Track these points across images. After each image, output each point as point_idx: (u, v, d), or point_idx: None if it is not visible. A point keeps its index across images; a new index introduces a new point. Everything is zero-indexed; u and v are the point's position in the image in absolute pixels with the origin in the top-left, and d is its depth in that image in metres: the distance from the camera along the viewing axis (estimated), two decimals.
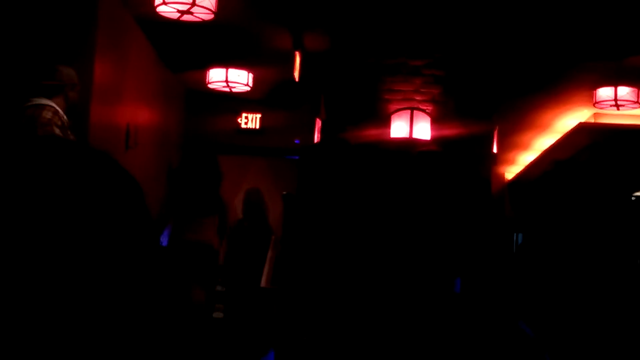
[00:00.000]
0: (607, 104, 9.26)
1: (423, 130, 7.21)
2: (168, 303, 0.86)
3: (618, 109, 9.29)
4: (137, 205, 0.86)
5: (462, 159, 7.08)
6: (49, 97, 4.85)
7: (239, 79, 9.60)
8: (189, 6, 6.67)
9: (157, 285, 0.84)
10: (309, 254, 4.41)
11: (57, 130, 4.68)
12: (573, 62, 8.55)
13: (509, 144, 11.03)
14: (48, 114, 4.73)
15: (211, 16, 6.99)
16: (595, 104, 9.36)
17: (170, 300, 0.87)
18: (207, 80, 9.66)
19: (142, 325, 0.81)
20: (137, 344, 0.81)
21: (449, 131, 7.21)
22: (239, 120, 11.33)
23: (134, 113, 8.10)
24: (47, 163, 0.81)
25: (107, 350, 0.78)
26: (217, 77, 9.58)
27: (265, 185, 12.83)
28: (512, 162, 12.48)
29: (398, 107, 7.34)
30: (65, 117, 4.86)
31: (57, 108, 4.82)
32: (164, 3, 6.66)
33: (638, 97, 8.97)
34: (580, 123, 10.12)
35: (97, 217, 0.80)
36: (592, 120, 10.21)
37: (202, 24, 7.24)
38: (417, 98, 7.36)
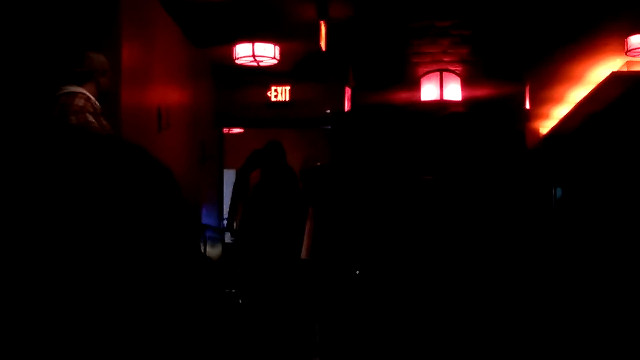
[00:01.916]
0: (639, 52, 9.11)
1: (453, 91, 7.16)
2: (204, 294, 0.87)
3: None
4: (172, 200, 0.86)
5: (493, 117, 7.02)
6: (80, 84, 4.88)
7: (266, 53, 9.58)
8: None
9: (195, 278, 0.85)
10: (349, 223, 4.43)
11: (89, 117, 4.72)
12: (603, 10, 8.41)
13: (542, 99, 10.91)
14: (80, 102, 4.76)
15: None
16: (627, 52, 9.21)
17: (205, 291, 0.88)
18: (234, 56, 9.65)
19: (178, 316, 0.82)
20: (172, 331, 0.82)
21: (480, 91, 7.15)
22: (268, 93, 11.32)
23: (164, 94, 8.14)
24: (82, 162, 0.82)
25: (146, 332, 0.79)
26: (243, 52, 9.57)
27: (299, 156, 12.86)
28: (546, 116, 12.35)
29: (427, 69, 7.30)
30: (97, 103, 4.89)
31: (89, 95, 4.84)
32: None
33: None
34: (613, 72, 9.97)
35: (132, 214, 0.80)
36: (625, 69, 10.06)
37: None
38: (446, 59, 7.30)
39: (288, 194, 7.48)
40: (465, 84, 7.20)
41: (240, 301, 7.72)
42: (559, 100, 11.72)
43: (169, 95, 8.35)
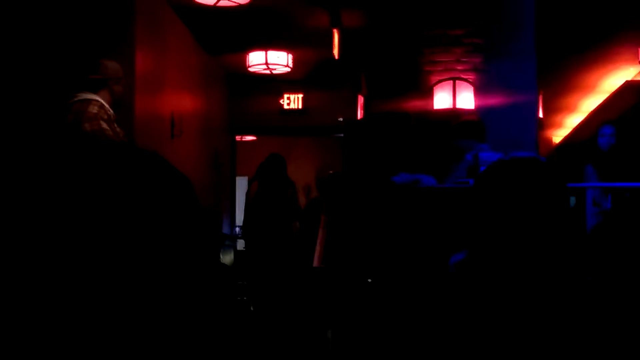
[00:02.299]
0: None
1: (466, 99, 7.15)
2: (217, 300, 0.87)
3: None
4: (188, 205, 0.86)
5: (505, 126, 7.00)
6: (94, 92, 4.89)
7: (279, 61, 9.60)
8: None
9: (209, 282, 0.85)
10: (361, 231, 4.42)
11: (103, 125, 4.73)
12: (616, 19, 8.39)
13: (555, 108, 10.89)
14: (94, 109, 4.77)
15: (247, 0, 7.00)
16: None
17: (219, 298, 0.88)
18: (247, 64, 9.68)
19: (192, 317, 0.82)
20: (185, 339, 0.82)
21: (493, 99, 7.13)
22: (281, 101, 11.34)
23: (178, 101, 8.16)
24: (99, 169, 0.82)
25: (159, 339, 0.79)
26: (256, 60, 9.60)
27: (313, 164, 12.87)
28: (559, 125, 12.32)
29: (440, 78, 7.28)
30: (111, 110, 4.90)
31: (103, 102, 4.86)
32: None
33: None
34: (627, 81, 9.94)
35: (150, 222, 0.80)
36: (639, 78, 10.02)
37: (239, 8, 7.25)
38: (459, 68, 7.28)
39: (280, 204, 7.89)
40: (478, 92, 7.18)
41: (251, 308, 7.74)
42: (572, 109, 11.69)
43: (182, 102, 8.38)
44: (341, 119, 10.51)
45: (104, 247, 0.77)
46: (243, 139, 12.78)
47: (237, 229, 10.77)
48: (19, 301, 0.77)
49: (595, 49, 9.22)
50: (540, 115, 7.79)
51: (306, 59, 9.95)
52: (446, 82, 7.24)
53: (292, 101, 11.33)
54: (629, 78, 10.03)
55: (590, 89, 10.75)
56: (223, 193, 10.89)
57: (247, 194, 8.25)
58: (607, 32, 8.72)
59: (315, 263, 5.75)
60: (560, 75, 9.81)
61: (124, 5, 6.46)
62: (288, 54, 9.60)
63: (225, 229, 10.86)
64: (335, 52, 8.31)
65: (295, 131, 11.68)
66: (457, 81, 7.20)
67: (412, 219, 4.08)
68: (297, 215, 8.28)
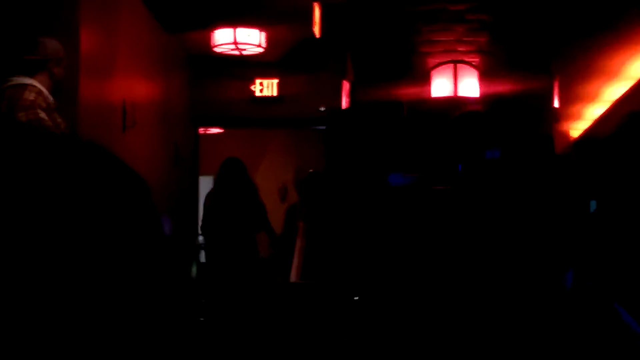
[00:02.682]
0: None
1: (470, 86, 7.16)
2: (171, 303, 0.86)
3: None
4: (141, 204, 0.85)
5: (516, 117, 7.02)
6: (31, 75, 4.86)
7: (250, 40, 9.55)
8: None
9: (161, 285, 0.85)
10: (347, 240, 4.40)
11: (41, 114, 4.69)
12: None
13: (573, 96, 10.93)
14: (31, 95, 4.74)
15: None
16: None
17: (173, 300, 0.87)
18: (212, 43, 9.63)
19: (142, 325, 0.82)
20: (135, 343, 0.81)
21: (500, 86, 7.14)
22: (252, 87, 11.30)
23: (131, 87, 8.11)
24: (36, 166, 0.80)
25: (106, 349, 0.78)
26: (223, 39, 9.55)
27: (289, 161, 12.85)
28: (577, 116, 12.37)
29: (439, 60, 7.29)
30: (50, 97, 4.87)
31: (41, 87, 4.82)
32: None
33: None
34: None
35: (95, 226, 0.79)
36: None
37: None
38: (461, 49, 7.30)
39: (240, 216, 8.02)
40: (484, 77, 7.20)
41: (211, 329, 7.78)
42: (592, 97, 11.75)
43: (135, 88, 8.33)
44: (323, 109, 10.50)
45: (38, 256, 0.76)
46: (208, 132, 12.74)
47: (200, 238, 10.74)
48: None
49: (620, 28, 9.26)
50: (556, 104, 7.80)
51: (282, 38, 9.93)
52: (446, 65, 7.25)
53: (266, 87, 11.29)
54: None
55: (613, 75, 10.80)
56: (184, 194, 10.85)
57: (204, 205, 8.41)
58: (632, 8, 8.76)
59: (293, 278, 5.74)
60: (579, 58, 9.84)
61: None
62: (261, 32, 9.57)
63: (187, 235, 10.83)
64: (316, 29, 8.30)
65: (269, 122, 11.65)
66: (458, 65, 7.22)
67: (410, 227, 4.06)
68: (263, 226, 8.27)
